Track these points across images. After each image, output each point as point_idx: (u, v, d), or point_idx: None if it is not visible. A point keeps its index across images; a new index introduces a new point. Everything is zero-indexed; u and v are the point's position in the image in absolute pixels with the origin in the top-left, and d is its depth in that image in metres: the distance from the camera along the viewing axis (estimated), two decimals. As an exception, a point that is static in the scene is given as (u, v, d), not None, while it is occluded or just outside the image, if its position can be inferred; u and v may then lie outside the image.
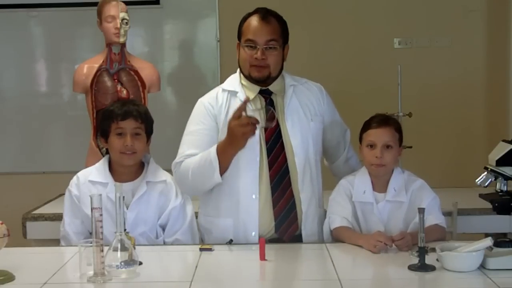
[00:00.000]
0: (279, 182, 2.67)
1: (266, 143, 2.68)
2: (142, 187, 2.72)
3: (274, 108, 2.69)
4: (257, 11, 2.71)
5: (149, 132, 2.79)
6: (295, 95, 2.76)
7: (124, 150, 2.69)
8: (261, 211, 2.67)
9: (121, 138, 2.69)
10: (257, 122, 2.48)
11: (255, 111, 2.58)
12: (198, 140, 2.70)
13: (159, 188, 2.76)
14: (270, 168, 2.67)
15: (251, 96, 2.71)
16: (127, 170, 2.75)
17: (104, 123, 2.76)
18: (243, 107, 2.47)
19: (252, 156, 2.65)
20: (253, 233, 2.66)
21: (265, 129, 2.65)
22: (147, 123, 2.76)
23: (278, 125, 2.70)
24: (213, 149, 2.60)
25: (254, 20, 2.68)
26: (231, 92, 2.74)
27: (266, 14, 2.69)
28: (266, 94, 2.73)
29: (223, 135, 2.66)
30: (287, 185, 2.67)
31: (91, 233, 2.19)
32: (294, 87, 2.78)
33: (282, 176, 2.68)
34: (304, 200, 2.70)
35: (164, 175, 2.80)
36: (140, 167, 2.79)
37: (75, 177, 2.78)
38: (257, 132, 2.60)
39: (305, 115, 2.75)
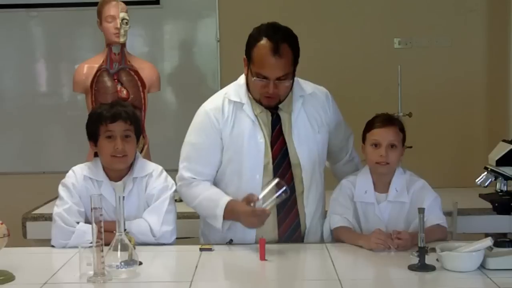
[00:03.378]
0: (285, 200, 2.57)
1: (273, 161, 2.63)
2: (128, 185, 2.67)
3: (281, 123, 2.66)
4: (268, 35, 2.52)
5: (138, 133, 2.73)
6: (303, 108, 2.69)
7: (115, 154, 2.63)
8: (265, 230, 2.59)
9: (111, 141, 2.63)
10: (268, 216, 2.47)
11: (266, 192, 2.48)
12: (201, 155, 2.67)
13: (144, 182, 2.70)
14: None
15: (258, 110, 2.65)
16: (117, 171, 2.70)
17: (92, 126, 2.69)
18: (259, 211, 2.45)
19: (255, 173, 2.61)
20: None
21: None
22: (136, 124, 2.71)
23: (284, 143, 2.65)
24: (222, 204, 2.57)
25: (265, 52, 2.50)
26: (237, 104, 2.66)
27: (278, 46, 2.49)
28: (272, 109, 2.66)
29: (228, 148, 2.64)
30: (293, 203, 2.64)
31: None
32: (303, 99, 2.70)
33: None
34: (308, 215, 2.69)
35: (151, 168, 2.73)
36: (129, 165, 2.76)
37: (71, 171, 2.71)
38: (262, 148, 2.61)
39: (312, 128, 2.70)
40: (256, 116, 2.65)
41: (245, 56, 2.62)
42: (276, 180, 2.48)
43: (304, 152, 2.66)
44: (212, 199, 2.62)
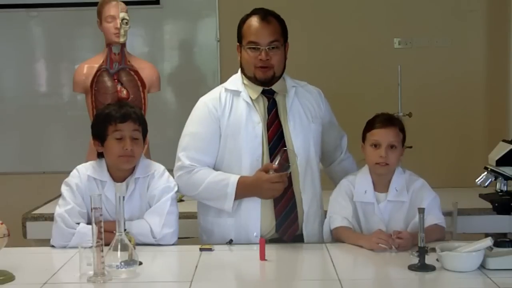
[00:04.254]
0: None
1: (269, 143, 2.69)
2: (130, 185, 2.65)
3: (277, 107, 2.71)
4: (255, 12, 2.71)
5: (144, 135, 2.72)
6: (297, 97, 2.77)
7: (123, 154, 2.60)
8: (262, 211, 2.67)
9: (120, 142, 2.60)
10: (287, 178, 2.56)
11: (279, 160, 2.58)
12: (201, 145, 2.70)
13: (146, 182, 2.69)
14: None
15: (254, 96, 2.72)
16: (122, 172, 2.69)
17: (100, 126, 2.66)
18: (284, 176, 2.54)
19: (254, 156, 2.67)
20: (255, 234, 2.66)
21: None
22: (143, 126, 2.70)
23: (280, 125, 2.71)
24: (232, 181, 2.62)
25: (254, 22, 2.67)
26: (234, 92, 2.73)
27: (266, 15, 2.68)
28: (268, 94, 2.74)
29: (226, 134, 2.68)
30: (288, 185, 2.66)
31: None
32: (296, 88, 2.78)
33: None
34: (305, 200, 2.71)
35: (153, 168, 2.72)
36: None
37: (75, 171, 2.69)
38: (259, 131, 2.67)
39: (306, 116, 2.76)
40: (252, 101, 2.71)
41: (238, 43, 2.73)
42: (284, 149, 2.58)
43: (298, 137, 2.72)
44: (220, 180, 2.65)
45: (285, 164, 2.58)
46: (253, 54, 2.66)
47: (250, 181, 2.61)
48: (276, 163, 2.57)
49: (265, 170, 2.59)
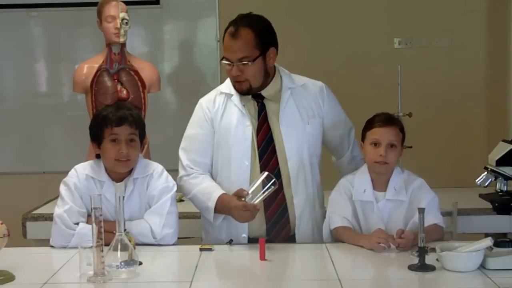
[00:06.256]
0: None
1: (258, 147, 2.70)
2: (129, 185, 2.65)
3: (265, 111, 2.71)
4: (232, 22, 2.66)
5: (142, 137, 2.71)
6: (292, 98, 2.74)
7: (119, 158, 2.60)
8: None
9: (116, 145, 2.60)
10: (258, 210, 2.54)
11: (256, 186, 2.55)
12: (197, 146, 2.77)
13: (145, 182, 2.68)
14: (261, 172, 2.65)
15: (245, 101, 2.73)
16: (120, 173, 2.68)
17: (97, 128, 2.65)
18: (250, 206, 2.51)
19: (243, 159, 2.69)
20: (243, 235, 2.69)
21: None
22: (141, 128, 2.69)
23: (269, 129, 2.71)
24: (214, 197, 2.65)
25: (226, 36, 2.65)
26: (228, 95, 2.76)
27: (236, 30, 2.62)
28: (258, 98, 2.74)
29: (218, 137, 2.71)
30: (278, 188, 2.65)
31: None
32: (292, 90, 2.76)
33: None
34: (297, 205, 2.71)
35: (151, 168, 2.71)
36: None
37: (73, 170, 2.69)
38: (249, 135, 2.69)
39: (301, 118, 2.74)
40: (243, 106, 2.73)
41: None
42: (265, 174, 2.54)
43: (291, 140, 2.71)
44: (206, 192, 2.69)
45: (263, 189, 2.52)
46: (227, 68, 2.67)
47: (226, 202, 2.62)
48: (250, 190, 2.54)
49: (238, 195, 2.57)
